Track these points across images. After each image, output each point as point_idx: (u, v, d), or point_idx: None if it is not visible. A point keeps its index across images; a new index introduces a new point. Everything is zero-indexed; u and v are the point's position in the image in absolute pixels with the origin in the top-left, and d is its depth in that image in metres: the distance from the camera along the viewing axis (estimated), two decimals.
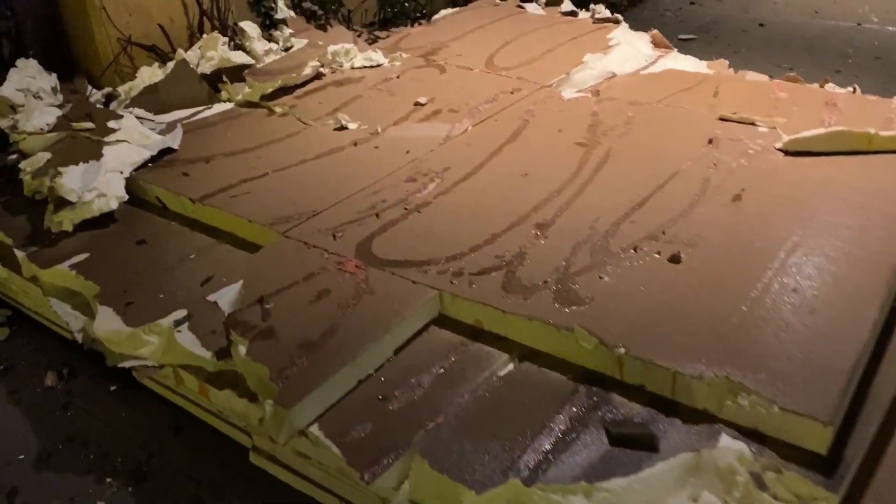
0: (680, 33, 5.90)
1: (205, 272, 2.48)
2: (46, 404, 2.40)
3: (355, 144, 3.15)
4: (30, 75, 3.55)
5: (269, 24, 4.20)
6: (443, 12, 4.82)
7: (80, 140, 3.05)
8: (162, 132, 3.30)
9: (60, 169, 2.78)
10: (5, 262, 2.75)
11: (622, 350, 1.88)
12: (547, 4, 4.85)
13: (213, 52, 3.75)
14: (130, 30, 3.79)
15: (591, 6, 4.64)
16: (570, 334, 1.96)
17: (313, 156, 3.07)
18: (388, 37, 4.52)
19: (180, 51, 3.75)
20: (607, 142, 3.03)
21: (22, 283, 2.69)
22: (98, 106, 3.37)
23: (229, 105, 3.61)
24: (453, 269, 2.26)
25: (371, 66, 3.95)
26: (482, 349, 2.06)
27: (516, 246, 2.36)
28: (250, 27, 3.87)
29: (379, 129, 3.26)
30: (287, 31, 4.08)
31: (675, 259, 2.23)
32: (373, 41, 4.38)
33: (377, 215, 2.60)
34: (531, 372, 1.98)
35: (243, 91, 3.64)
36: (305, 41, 4.06)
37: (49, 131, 3.09)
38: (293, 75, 3.66)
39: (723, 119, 3.12)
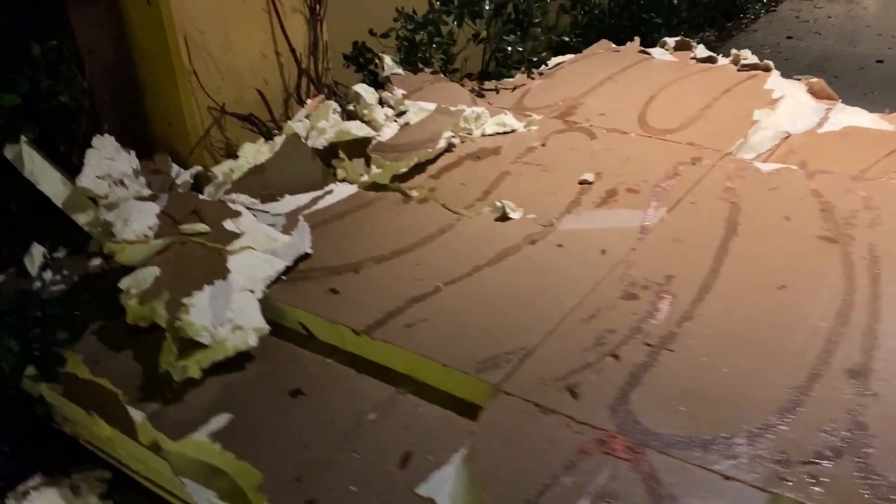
0: (790, 72, 5.31)
1: (398, 444, 1.84)
2: None
3: (533, 243, 2.51)
4: (108, 156, 2.92)
5: (371, 85, 3.59)
6: (555, 60, 4.21)
7: (194, 249, 2.41)
8: (283, 228, 2.67)
9: (184, 300, 2.14)
10: (110, 416, 2.10)
11: None
12: (676, 49, 4.25)
13: (324, 123, 3.13)
14: (222, 97, 3.17)
15: (733, 51, 4.04)
16: None
17: (486, 260, 2.44)
18: (497, 90, 3.90)
19: (290, 123, 3.13)
20: (859, 235, 2.41)
21: (135, 448, 2.04)
22: (200, 197, 2.74)
23: (350, 188, 2.98)
24: (770, 454, 1.62)
25: (504, 133, 3.33)
26: None
27: (843, 410, 1.73)
28: (366, 91, 3.25)
29: (553, 220, 2.64)
30: (398, 91, 3.46)
31: None
32: (479, 95, 3.77)
33: (614, 356, 1.97)
34: None
35: (364, 169, 3.02)
36: (419, 104, 3.44)
37: (153, 237, 2.46)
38: (428, 150, 3.04)
39: None
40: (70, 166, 2.85)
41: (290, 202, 2.89)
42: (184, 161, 3.17)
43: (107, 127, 3.02)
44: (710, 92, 3.64)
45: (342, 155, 3.08)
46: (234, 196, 2.89)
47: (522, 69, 4.11)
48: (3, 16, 2.77)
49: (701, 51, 4.11)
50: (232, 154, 3.19)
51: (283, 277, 2.41)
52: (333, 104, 3.20)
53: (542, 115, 3.51)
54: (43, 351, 2.18)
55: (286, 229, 2.64)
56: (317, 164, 3.05)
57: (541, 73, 4.03)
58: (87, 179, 2.73)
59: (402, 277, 2.37)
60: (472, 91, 3.75)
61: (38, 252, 2.68)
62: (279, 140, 3.02)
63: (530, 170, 3.01)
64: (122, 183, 2.87)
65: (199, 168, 3.14)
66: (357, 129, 3.07)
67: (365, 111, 3.20)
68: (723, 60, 4.04)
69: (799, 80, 3.80)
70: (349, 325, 2.15)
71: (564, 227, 2.60)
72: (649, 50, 4.23)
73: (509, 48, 3.82)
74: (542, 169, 3.02)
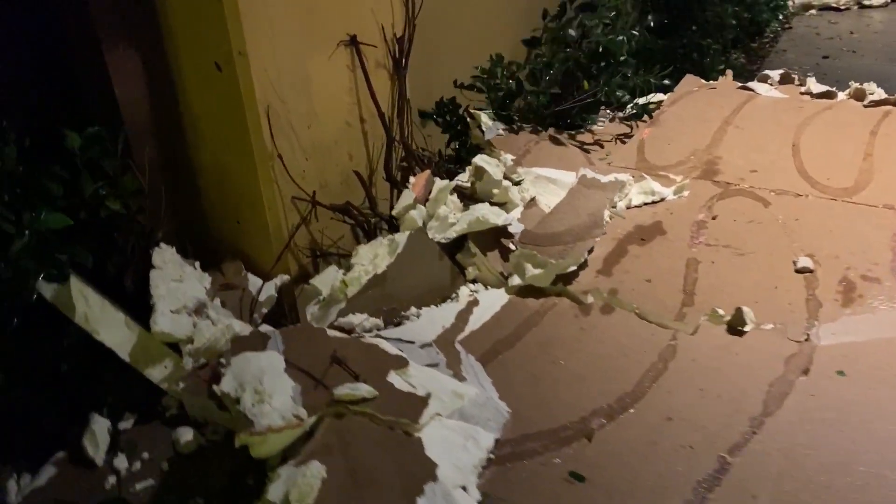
0: None
1: None
2: None
3: (805, 372, 1.88)
4: (174, 276, 2.15)
5: (464, 149, 2.91)
6: (643, 101, 3.60)
7: (363, 427, 1.67)
8: (435, 363, 1.96)
9: None
10: None
11: None
12: (781, 83, 3.72)
13: (444, 209, 2.43)
14: (308, 183, 2.43)
15: (854, 85, 3.53)
16: None
17: (758, 406, 1.79)
18: (600, 144, 3.27)
19: (412, 214, 2.40)
20: None
21: None
22: (330, 333, 1.97)
23: (496, 295, 2.28)
24: None
25: (653, 202, 2.70)
26: None
27: None
28: (489, 164, 2.55)
29: (806, 333, 2.01)
30: (507, 157, 2.78)
31: None
32: (583, 151, 3.13)
33: None
34: None
35: (503, 266, 2.33)
36: (534, 171, 2.78)
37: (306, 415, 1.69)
38: (595, 238, 2.37)
39: None
40: (124, 296, 2.07)
41: (425, 322, 2.18)
42: (262, 270, 2.40)
43: (161, 234, 2.24)
44: (856, 135, 3.10)
45: (473, 249, 2.38)
46: (351, 319, 2.16)
47: (609, 111, 3.50)
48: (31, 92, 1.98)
49: (814, 85, 3.58)
50: (323, 254, 2.45)
51: (491, 455, 1.70)
52: (450, 183, 2.49)
53: (680, 174, 2.89)
54: None
55: (453, 369, 1.93)
56: (445, 265, 2.35)
57: (643, 120, 3.41)
58: (163, 320, 1.96)
59: (659, 445, 1.69)
60: (580, 148, 3.11)
61: (101, 428, 1.89)
62: (394, 237, 2.29)
63: (721, 254, 2.38)
64: (202, 313, 2.11)
65: (285, 278, 2.38)
66: (493, 215, 2.38)
67: (494, 189, 2.51)
68: (841, 95, 3.52)
69: None
70: None
71: (827, 343, 1.97)
72: (751, 85, 3.68)
73: (621, 94, 3.18)
74: (735, 252, 2.39)
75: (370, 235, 2.57)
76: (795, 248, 2.38)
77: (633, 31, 3.33)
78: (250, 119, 2.21)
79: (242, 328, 2.04)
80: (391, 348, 1.90)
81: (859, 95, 3.45)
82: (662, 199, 2.71)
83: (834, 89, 3.54)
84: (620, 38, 3.32)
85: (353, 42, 2.50)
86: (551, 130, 3.22)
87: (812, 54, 6.05)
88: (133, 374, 1.96)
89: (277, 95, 2.26)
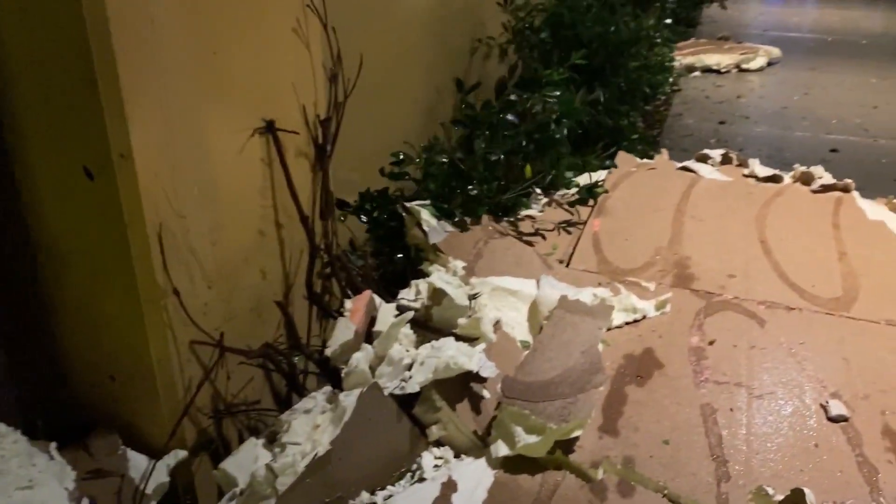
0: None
1: None
2: None
3: None
4: (21, 484, 1.45)
5: (404, 255, 2.36)
6: (581, 180, 3.19)
7: None
8: None
9: None
10: None
11: None
12: (722, 163, 3.45)
13: (398, 349, 1.86)
14: (211, 320, 1.78)
15: (798, 168, 3.31)
16: None
17: None
18: (541, 234, 2.82)
19: (358, 360, 1.79)
20: None
21: None
22: None
23: (476, 467, 1.73)
24: None
25: (635, 321, 2.26)
26: None
27: None
28: (450, 284, 1.99)
29: None
30: (459, 265, 2.26)
31: None
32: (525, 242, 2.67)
33: None
34: None
35: (474, 423, 1.79)
36: (490, 281, 2.27)
37: None
38: (598, 387, 1.87)
39: None
40: None
41: None
42: (149, 444, 1.73)
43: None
44: (820, 229, 2.85)
45: (438, 401, 1.82)
46: None
47: (540, 194, 3.06)
48: None
49: (759, 168, 3.33)
50: (231, 412, 1.81)
51: None
52: (405, 316, 1.92)
53: (651, 281, 2.48)
54: None
55: None
56: (404, 427, 1.77)
57: (585, 203, 3.00)
58: None
59: None
60: (525, 242, 2.64)
61: None
62: (341, 399, 1.68)
63: (736, 397, 1.96)
64: None
65: (181, 454, 1.72)
66: (465, 357, 1.83)
67: (459, 319, 1.96)
68: (786, 178, 3.29)
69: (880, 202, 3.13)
70: None
71: None
72: (692, 166, 3.38)
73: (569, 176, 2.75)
74: (751, 393, 1.98)
75: (294, 383, 1.94)
76: (816, 385, 2.00)
77: (577, 106, 2.91)
78: (135, 244, 1.55)
79: None
80: None
81: (806, 179, 3.22)
82: (645, 318, 2.27)
83: (779, 172, 3.30)
84: (565, 121, 2.91)
85: (271, 129, 1.90)
86: (486, 220, 2.73)
87: (708, 119, 6.00)
88: None
89: (173, 209, 1.61)
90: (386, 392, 1.77)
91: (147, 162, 1.50)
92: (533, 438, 1.70)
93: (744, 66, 6.81)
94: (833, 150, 5.30)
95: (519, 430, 1.72)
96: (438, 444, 1.83)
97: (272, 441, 1.72)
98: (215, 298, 1.80)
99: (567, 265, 2.54)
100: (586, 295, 2.18)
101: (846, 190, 3.16)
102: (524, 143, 2.68)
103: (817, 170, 3.22)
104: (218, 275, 1.79)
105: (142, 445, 1.72)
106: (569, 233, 2.86)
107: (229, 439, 1.89)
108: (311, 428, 1.64)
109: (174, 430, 1.68)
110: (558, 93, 2.80)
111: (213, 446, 1.82)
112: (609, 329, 2.19)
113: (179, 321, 1.68)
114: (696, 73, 6.93)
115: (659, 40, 5.08)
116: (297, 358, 1.91)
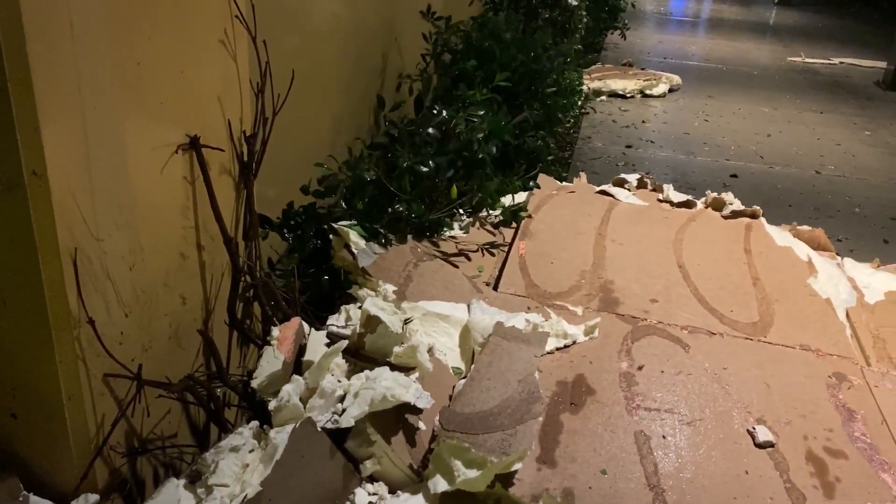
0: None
1: None
2: None
3: None
4: None
5: (330, 277, 2.27)
6: (505, 201, 3.20)
7: None
8: None
9: None
10: None
11: None
12: (638, 187, 3.52)
13: (330, 381, 1.77)
14: (128, 350, 1.64)
15: (710, 194, 3.42)
16: None
17: None
18: (460, 252, 2.80)
19: (290, 395, 1.69)
20: None
21: None
22: None
23: (410, 498, 1.66)
24: None
25: (565, 347, 2.25)
26: None
27: None
28: (386, 312, 1.92)
29: None
30: (389, 289, 2.19)
31: None
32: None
33: None
34: None
35: (408, 455, 1.73)
36: (421, 305, 2.22)
37: None
38: (538, 417, 1.83)
39: None
40: None
41: None
42: (56, 487, 1.57)
43: None
44: (733, 254, 2.94)
45: (372, 435, 1.74)
46: None
47: (463, 214, 3.04)
48: None
49: (673, 193, 3.42)
50: (147, 451, 1.67)
51: None
52: (339, 346, 1.84)
53: (578, 305, 2.48)
54: None
55: None
56: (337, 463, 1.68)
57: (508, 225, 2.99)
58: None
59: None
60: (448, 261, 2.60)
61: None
62: (272, 437, 1.58)
63: (667, 424, 1.97)
64: None
65: (93, 499, 1.57)
66: (401, 388, 1.76)
67: (394, 348, 1.89)
68: (699, 204, 3.40)
69: (786, 229, 3.28)
70: None
71: None
72: (610, 190, 3.44)
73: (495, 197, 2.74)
74: (681, 419, 2.00)
75: (216, 417, 1.82)
76: (742, 411, 2.04)
77: (503, 125, 2.91)
78: (46, 269, 1.41)
79: None
80: None
81: (717, 205, 3.33)
82: (575, 343, 2.27)
83: (692, 198, 3.40)
84: (495, 141, 2.89)
85: (195, 145, 1.78)
86: (410, 240, 2.67)
87: (616, 143, 6.15)
88: None
89: (90, 231, 1.48)
90: (318, 426, 1.67)
91: (62, 180, 1.37)
92: (473, 473, 1.65)
93: (647, 91, 7.05)
94: (733, 175, 5.53)
95: (458, 464, 1.67)
96: (372, 479, 1.74)
97: (194, 481, 1.60)
98: (132, 327, 1.66)
99: (495, 288, 2.51)
100: (520, 321, 2.15)
101: (754, 216, 3.29)
102: (452, 162, 2.65)
103: (727, 196, 3.34)
104: (136, 302, 1.66)
105: (47, 490, 1.56)
106: (492, 254, 2.84)
107: (143, 478, 1.74)
108: (240, 468, 1.53)
109: (86, 473, 1.53)
110: (482, 112, 2.78)
111: (127, 487, 1.68)
112: (542, 355, 2.17)
113: (93, 352, 1.54)
114: (603, 98, 7.12)
115: (570, 65, 5.19)
116: (219, 390, 1.78)
